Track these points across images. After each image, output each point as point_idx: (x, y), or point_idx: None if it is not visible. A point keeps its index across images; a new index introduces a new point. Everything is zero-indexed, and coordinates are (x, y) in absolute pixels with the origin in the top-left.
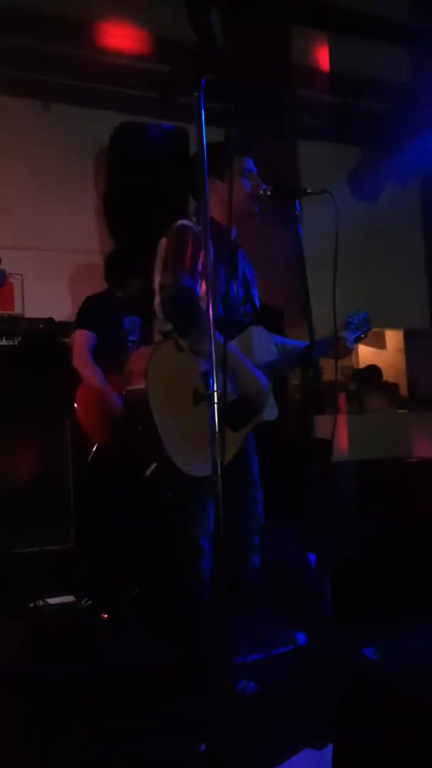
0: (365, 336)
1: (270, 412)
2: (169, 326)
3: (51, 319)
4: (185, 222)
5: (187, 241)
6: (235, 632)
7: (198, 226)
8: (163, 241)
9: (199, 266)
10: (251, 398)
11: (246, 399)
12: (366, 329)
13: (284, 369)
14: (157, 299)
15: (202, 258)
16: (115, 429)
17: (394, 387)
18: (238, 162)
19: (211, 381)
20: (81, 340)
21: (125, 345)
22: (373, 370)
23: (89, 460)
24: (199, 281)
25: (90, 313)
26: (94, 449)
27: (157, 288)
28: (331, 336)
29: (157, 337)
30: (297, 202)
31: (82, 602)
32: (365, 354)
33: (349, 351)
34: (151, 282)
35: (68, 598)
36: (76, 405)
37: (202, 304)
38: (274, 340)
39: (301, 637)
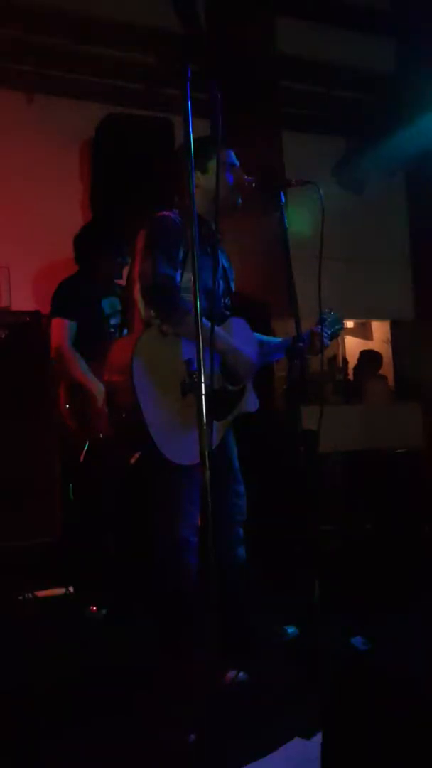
0: (337, 336)
1: (251, 403)
2: (150, 313)
3: (38, 312)
4: (165, 213)
5: (166, 230)
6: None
7: (179, 217)
8: (143, 232)
9: (179, 256)
10: (239, 373)
11: (233, 376)
12: (338, 328)
13: (263, 361)
14: (137, 287)
15: (182, 248)
16: (102, 422)
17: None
18: (221, 154)
19: (197, 372)
20: (59, 330)
21: (106, 330)
22: (373, 356)
23: (81, 459)
24: (179, 270)
25: (66, 299)
26: (86, 448)
27: (136, 276)
28: (307, 331)
29: (139, 326)
30: (282, 193)
31: (70, 592)
32: (352, 345)
33: (324, 347)
34: (131, 272)
35: (58, 591)
36: (60, 402)
37: (183, 295)
38: (254, 335)
39: (291, 631)
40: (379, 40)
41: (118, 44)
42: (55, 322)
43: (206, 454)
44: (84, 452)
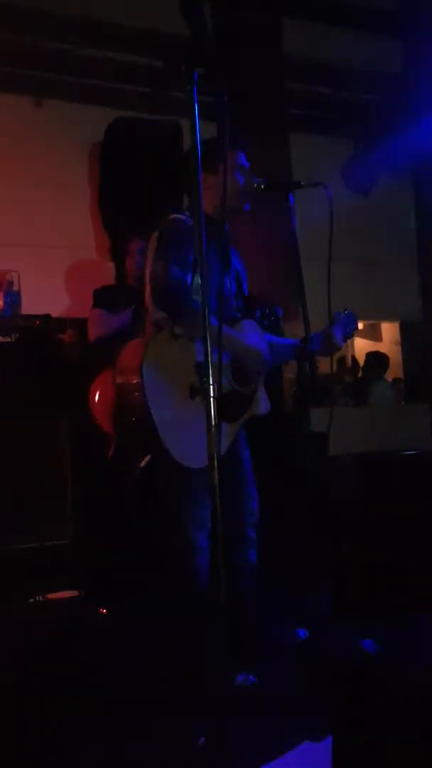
0: (352, 335)
1: (262, 406)
2: (161, 316)
3: (48, 316)
4: (177, 215)
5: (179, 233)
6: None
7: (191, 220)
8: (155, 234)
9: (191, 258)
10: (251, 369)
11: (244, 374)
12: (353, 328)
13: (274, 363)
14: (149, 289)
15: (194, 251)
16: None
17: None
18: (231, 157)
19: (206, 374)
20: (96, 319)
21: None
22: (379, 357)
23: (110, 455)
24: (191, 273)
25: (104, 294)
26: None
27: (148, 279)
28: (320, 332)
29: (150, 328)
30: (290, 194)
31: (81, 594)
32: (361, 347)
33: (338, 348)
34: (143, 274)
35: (69, 593)
36: (91, 394)
37: (195, 297)
38: (265, 336)
39: (302, 633)
40: (386, 41)
41: (125, 48)
42: (93, 312)
43: (215, 456)
44: (113, 446)
